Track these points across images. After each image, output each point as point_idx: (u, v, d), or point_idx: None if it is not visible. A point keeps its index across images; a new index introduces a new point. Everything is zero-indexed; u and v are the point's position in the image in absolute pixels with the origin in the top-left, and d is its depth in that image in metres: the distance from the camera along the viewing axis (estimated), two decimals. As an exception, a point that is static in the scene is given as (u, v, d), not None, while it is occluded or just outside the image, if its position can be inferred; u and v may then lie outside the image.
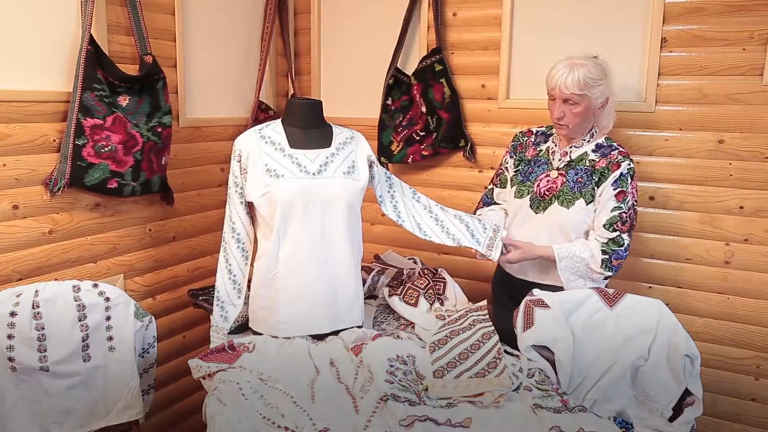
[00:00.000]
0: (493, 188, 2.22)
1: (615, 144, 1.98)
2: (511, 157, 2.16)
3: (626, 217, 1.89)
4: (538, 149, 2.10)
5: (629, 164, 1.92)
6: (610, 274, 1.91)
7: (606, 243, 1.90)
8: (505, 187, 2.18)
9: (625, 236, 1.89)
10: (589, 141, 1.99)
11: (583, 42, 2.27)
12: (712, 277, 2.23)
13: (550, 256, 1.94)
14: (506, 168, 2.18)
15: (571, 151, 2.01)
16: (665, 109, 2.23)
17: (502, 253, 1.97)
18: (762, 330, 2.18)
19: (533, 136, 2.14)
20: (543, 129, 2.14)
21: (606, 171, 1.92)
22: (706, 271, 2.24)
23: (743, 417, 2.24)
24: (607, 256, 1.89)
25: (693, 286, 2.27)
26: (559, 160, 2.02)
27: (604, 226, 1.90)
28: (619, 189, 1.90)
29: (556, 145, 2.05)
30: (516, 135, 2.18)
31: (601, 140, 1.99)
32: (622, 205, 1.89)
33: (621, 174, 1.90)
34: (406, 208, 2.04)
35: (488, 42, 2.50)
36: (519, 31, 2.44)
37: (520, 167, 2.11)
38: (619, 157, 1.93)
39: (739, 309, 2.20)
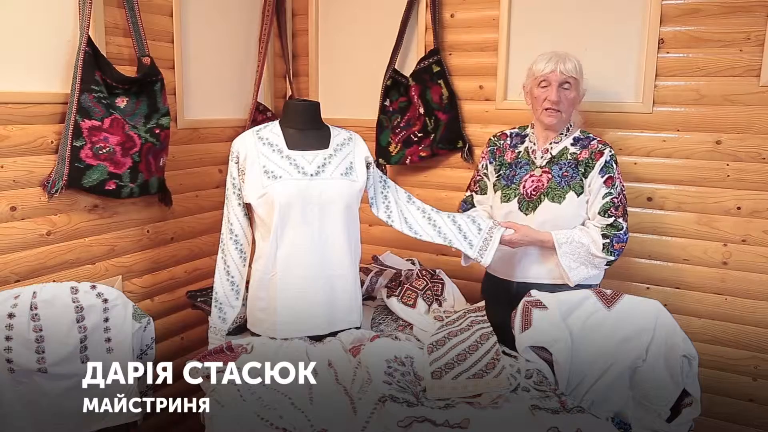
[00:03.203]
0: (472, 195, 2.22)
1: (591, 135, 2.03)
2: (490, 162, 2.16)
3: (618, 201, 1.93)
4: (516, 151, 2.10)
5: (611, 151, 1.97)
6: (612, 258, 1.93)
7: (605, 228, 1.92)
8: (485, 194, 2.18)
9: (621, 220, 1.93)
10: (567, 135, 2.03)
11: (580, 43, 2.28)
12: (710, 278, 2.24)
13: (549, 241, 1.95)
14: (485, 174, 2.18)
15: (551, 148, 2.03)
16: (662, 110, 2.23)
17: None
18: (760, 331, 2.18)
19: (509, 139, 2.14)
20: (516, 130, 2.15)
21: (590, 161, 1.96)
22: (703, 272, 2.24)
23: (741, 418, 2.25)
24: (608, 240, 1.91)
25: (691, 286, 2.27)
26: (542, 158, 2.03)
27: (599, 213, 1.94)
28: (607, 175, 1.94)
29: (534, 144, 2.06)
30: (490, 139, 2.18)
31: (577, 134, 2.04)
32: (612, 191, 1.93)
33: (606, 161, 1.95)
34: (398, 208, 2.03)
35: (486, 43, 2.51)
36: (516, 33, 2.44)
37: (501, 172, 2.11)
38: (599, 145, 1.98)
39: (737, 310, 2.21)
